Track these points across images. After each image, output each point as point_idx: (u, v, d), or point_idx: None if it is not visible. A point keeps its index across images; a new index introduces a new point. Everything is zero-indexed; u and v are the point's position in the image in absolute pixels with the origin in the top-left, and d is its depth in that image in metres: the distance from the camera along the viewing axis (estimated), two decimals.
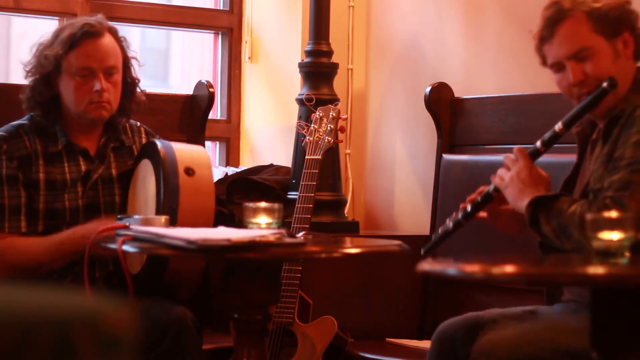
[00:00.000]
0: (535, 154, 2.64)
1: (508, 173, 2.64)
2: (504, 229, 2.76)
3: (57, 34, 3.12)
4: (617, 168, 2.48)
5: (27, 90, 3.15)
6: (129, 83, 3.19)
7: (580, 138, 2.73)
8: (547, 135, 2.63)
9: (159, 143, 3.03)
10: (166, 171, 2.93)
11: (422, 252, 2.80)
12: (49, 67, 3.09)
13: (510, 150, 3.68)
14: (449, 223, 2.72)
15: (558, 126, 2.61)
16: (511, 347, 2.42)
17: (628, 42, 2.61)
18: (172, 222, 2.77)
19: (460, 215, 2.72)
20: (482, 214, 2.72)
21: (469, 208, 2.70)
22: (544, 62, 2.68)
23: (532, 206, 2.53)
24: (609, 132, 2.56)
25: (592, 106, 2.57)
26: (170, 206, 2.88)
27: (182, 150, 3.03)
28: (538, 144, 2.64)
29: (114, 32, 3.15)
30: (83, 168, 3.13)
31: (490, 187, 2.68)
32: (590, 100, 2.56)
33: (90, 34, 3.09)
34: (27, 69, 3.15)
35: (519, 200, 2.59)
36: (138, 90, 3.23)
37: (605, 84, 2.54)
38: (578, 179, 2.70)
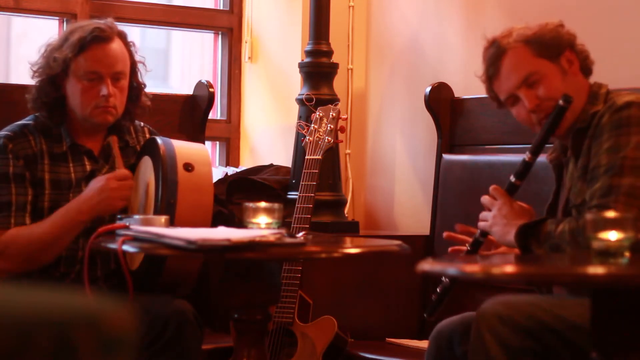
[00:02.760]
0: (511, 189, 2.68)
1: (490, 213, 2.65)
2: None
3: (66, 37, 3.12)
4: (596, 177, 2.50)
5: (33, 90, 3.15)
6: (135, 88, 3.20)
7: (554, 164, 2.76)
8: (518, 167, 2.66)
9: (159, 140, 3.04)
10: (165, 166, 2.94)
11: (425, 316, 2.84)
12: (57, 69, 3.09)
13: (510, 150, 3.69)
14: (445, 280, 2.74)
15: (527, 156, 2.65)
16: (516, 307, 2.41)
17: (572, 59, 2.67)
18: (171, 217, 2.78)
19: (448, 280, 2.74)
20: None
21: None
22: (498, 103, 2.73)
23: (521, 235, 2.55)
24: (579, 147, 2.59)
25: (554, 126, 2.61)
26: (168, 201, 2.89)
27: (182, 147, 3.03)
28: (512, 178, 2.68)
29: (123, 37, 3.16)
30: (88, 168, 3.14)
31: (477, 234, 2.70)
32: (552, 121, 2.60)
33: (100, 38, 3.09)
34: (34, 70, 3.15)
35: (506, 235, 2.61)
36: (143, 95, 3.24)
37: (560, 102, 2.59)
38: (559, 203, 2.71)
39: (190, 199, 2.92)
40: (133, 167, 3.16)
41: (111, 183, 3.00)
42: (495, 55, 2.68)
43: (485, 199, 2.69)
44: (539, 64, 2.65)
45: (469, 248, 2.72)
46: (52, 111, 3.13)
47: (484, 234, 2.69)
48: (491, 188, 2.69)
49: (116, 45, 3.12)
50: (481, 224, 2.69)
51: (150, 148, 3.06)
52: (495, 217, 2.64)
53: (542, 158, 2.74)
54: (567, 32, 2.71)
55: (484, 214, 2.69)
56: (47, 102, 3.12)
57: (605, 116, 2.55)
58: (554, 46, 2.66)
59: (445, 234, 2.82)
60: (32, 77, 3.17)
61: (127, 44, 3.17)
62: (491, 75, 2.70)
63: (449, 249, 2.81)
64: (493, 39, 2.72)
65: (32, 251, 3.01)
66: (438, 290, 2.78)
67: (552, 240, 2.50)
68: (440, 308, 2.76)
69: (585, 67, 2.70)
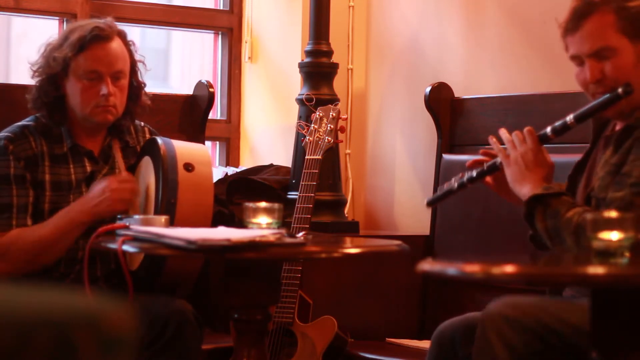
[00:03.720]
0: (544, 139, 2.63)
1: (514, 151, 2.63)
2: (506, 197, 2.76)
3: (66, 36, 3.12)
4: (622, 184, 2.47)
5: (33, 90, 3.16)
6: (135, 87, 3.20)
7: (595, 125, 2.70)
8: (558, 123, 2.61)
9: (159, 140, 3.04)
10: (165, 166, 2.94)
11: (425, 203, 2.86)
12: (57, 68, 3.09)
13: None
14: (454, 183, 2.73)
15: (570, 118, 2.59)
16: (522, 309, 2.40)
17: None
18: (171, 217, 2.78)
19: (465, 177, 2.72)
20: (488, 179, 2.73)
21: (474, 173, 2.72)
22: (566, 49, 2.64)
23: (531, 201, 2.54)
24: (621, 141, 2.54)
25: (603, 108, 2.55)
26: (168, 201, 2.89)
27: (182, 147, 3.04)
28: (548, 130, 2.63)
29: (123, 36, 3.16)
30: (88, 169, 3.14)
31: (498, 159, 2.68)
32: (603, 102, 2.53)
33: (100, 37, 3.09)
34: (34, 69, 3.16)
35: (517, 183, 2.60)
36: (143, 94, 3.24)
37: (620, 90, 2.51)
38: (587, 166, 2.68)
39: (191, 199, 2.92)
40: (133, 167, 3.16)
41: (112, 184, 3.00)
42: (582, 11, 2.55)
43: (517, 135, 2.64)
44: (618, 41, 2.54)
45: (485, 168, 2.70)
46: (53, 111, 3.13)
47: (497, 166, 2.67)
48: (526, 129, 2.64)
49: (116, 44, 3.12)
50: (501, 156, 2.65)
51: (151, 148, 3.06)
52: (517, 160, 2.60)
53: (560, 159, 2.72)
54: None
55: (509, 147, 2.64)
56: (48, 102, 3.12)
57: None
58: None
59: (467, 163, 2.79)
60: (32, 77, 3.17)
61: (126, 43, 3.17)
62: (569, 29, 2.58)
63: (467, 163, 2.77)
64: None
65: (33, 253, 3.01)
66: (444, 186, 2.77)
67: (556, 221, 2.49)
68: (441, 201, 2.76)
69: None
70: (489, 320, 2.41)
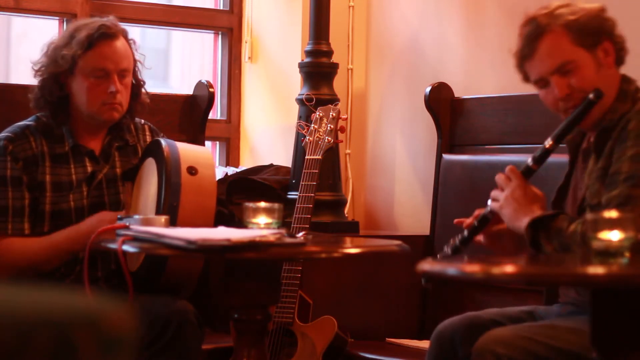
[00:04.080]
0: (527, 173, 2.63)
1: (502, 194, 2.63)
2: (502, 251, 2.76)
3: (72, 34, 3.12)
4: (615, 183, 2.47)
5: (36, 90, 3.16)
6: (135, 85, 3.21)
7: (570, 146, 2.73)
8: (537, 152, 2.62)
9: (163, 142, 3.05)
10: (168, 169, 2.94)
11: (422, 282, 2.83)
12: (65, 66, 3.09)
13: (510, 150, 3.69)
14: (448, 250, 2.71)
15: (548, 142, 2.60)
16: (511, 343, 2.42)
17: (609, 51, 2.60)
18: (172, 220, 2.78)
19: (457, 241, 2.71)
20: (479, 237, 2.71)
21: (466, 233, 2.69)
22: (526, 79, 2.68)
23: (532, 228, 2.53)
24: (602, 146, 2.56)
25: (580, 119, 2.57)
26: (171, 204, 2.89)
27: (186, 150, 3.04)
28: (530, 161, 2.63)
29: (125, 35, 3.18)
30: (89, 169, 3.14)
31: (486, 210, 2.67)
32: (578, 113, 2.56)
33: (107, 35, 3.11)
34: (37, 68, 3.16)
35: (515, 220, 2.58)
36: (143, 92, 3.25)
37: (591, 96, 2.54)
38: (570, 187, 2.69)
39: (193, 202, 2.92)
40: (137, 168, 3.16)
41: (104, 225, 2.95)
42: (533, 35, 2.60)
43: (500, 177, 2.64)
44: (576, 53, 2.58)
45: (476, 224, 2.67)
46: (56, 111, 3.13)
47: (493, 211, 2.66)
48: (508, 168, 2.64)
49: (121, 42, 3.14)
50: (492, 203, 2.66)
51: (155, 150, 3.06)
52: (507, 199, 2.60)
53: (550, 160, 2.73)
54: (608, 19, 2.63)
55: (495, 193, 2.64)
56: (51, 102, 3.13)
57: (633, 122, 2.51)
58: (593, 35, 2.59)
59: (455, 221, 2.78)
60: (35, 76, 3.17)
61: (129, 42, 3.18)
62: (526, 54, 2.61)
63: (455, 221, 2.74)
64: (533, 15, 2.62)
65: (23, 265, 3.05)
66: (439, 257, 2.75)
67: (562, 238, 2.49)
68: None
69: (619, 58, 2.63)
70: (480, 358, 2.42)
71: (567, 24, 2.58)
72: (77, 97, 3.12)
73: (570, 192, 2.68)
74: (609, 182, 2.48)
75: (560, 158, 2.97)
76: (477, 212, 2.70)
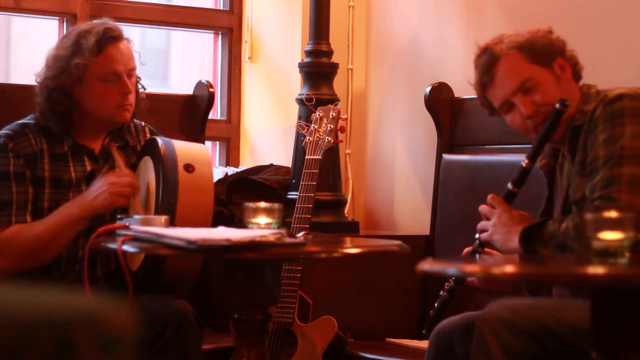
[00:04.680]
0: (509, 197, 2.67)
1: (489, 223, 2.65)
2: (497, 289, 2.79)
3: (76, 41, 3.08)
4: (596, 169, 2.50)
5: (42, 102, 3.11)
6: (135, 83, 3.22)
7: (546, 170, 2.76)
8: (515, 174, 2.66)
9: (159, 140, 3.04)
10: (165, 167, 2.94)
11: (424, 332, 2.85)
12: (78, 74, 3.07)
13: (510, 150, 3.69)
14: (444, 293, 2.75)
15: (524, 162, 2.65)
16: (517, 309, 2.41)
17: (564, 66, 2.68)
18: (171, 218, 2.78)
19: (452, 282, 2.75)
20: (472, 278, 2.73)
21: (436, 304, 2.75)
22: (491, 111, 2.73)
23: (525, 239, 2.54)
24: (575, 144, 2.60)
25: (551, 131, 2.61)
26: (169, 202, 2.89)
27: (183, 147, 3.04)
28: (509, 185, 2.68)
29: (124, 35, 3.18)
30: (88, 168, 3.14)
31: (475, 244, 2.70)
32: (548, 126, 2.60)
33: (114, 38, 3.11)
34: (41, 80, 3.12)
35: (509, 242, 2.61)
36: (142, 91, 3.25)
37: (557, 105, 2.59)
38: (554, 207, 2.71)
39: (191, 200, 2.92)
40: (134, 167, 3.16)
41: (111, 178, 3.00)
42: (489, 62, 2.69)
43: (483, 208, 2.69)
44: (533, 70, 2.65)
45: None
46: (63, 120, 3.11)
47: (483, 244, 2.69)
48: (489, 197, 2.69)
49: (125, 43, 3.14)
50: (482, 235, 2.68)
51: (151, 148, 3.06)
52: (496, 226, 2.64)
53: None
54: (557, 38, 2.72)
55: (482, 224, 2.68)
56: (60, 112, 3.10)
57: (599, 109, 2.56)
58: (546, 53, 2.67)
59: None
60: (40, 88, 3.12)
61: (129, 41, 3.19)
62: (485, 82, 2.71)
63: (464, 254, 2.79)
64: (485, 46, 2.73)
65: (32, 249, 3.01)
66: (436, 304, 2.78)
67: (557, 240, 2.50)
68: (438, 323, 2.75)
69: (576, 73, 2.72)
70: (486, 323, 2.42)
71: (518, 45, 2.67)
72: (88, 103, 3.10)
73: (555, 210, 2.71)
74: (589, 171, 2.52)
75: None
76: (467, 249, 2.75)
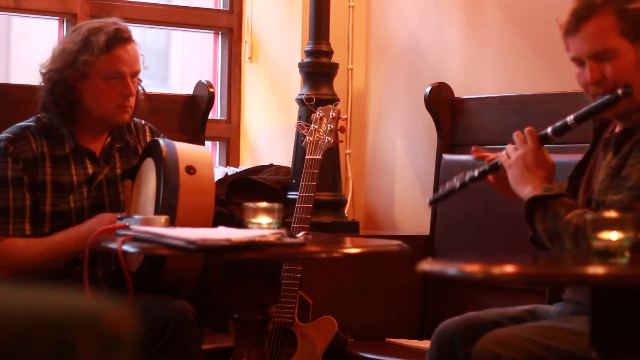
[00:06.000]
0: (544, 139, 2.64)
1: (515, 152, 2.64)
2: (509, 197, 2.76)
3: (86, 38, 3.09)
4: (621, 187, 2.47)
5: (45, 93, 3.13)
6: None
7: (595, 125, 2.71)
8: (558, 124, 2.62)
9: (161, 141, 3.05)
10: (167, 168, 2.94)
11: (427, 201, 2.87)
12: (84, 70, 3.08)
13: None
14: (456, 182, 2.74)
15: (570, 119, 2.60)
16: (512, 344, 2.42)
17: None
18: (171, 219, 2.78)
19: (467, 177, 2.73)
20: (490, 178, 2.74)
21: (476, 173, 2.73)
22: (567, 49, 2.64)
23: (531, 202, 2.54)
24: (621, 145, 2.54)
25: (603, 109, 2.55)
26: (169, 203, 2.89)
27: (184, 149, 3.04)
28: (549, 130, 2.63)
29: (133, 37, 3.19)
30: (90, 170, 3.14)
31: (499, 160, 2.68)
32: (602, 104, 2.53)
33: (124, 39, 3.12)
34: (46, 72, 3.13)
35: (518, 184, 2.61)
36: (142, 93, 3.26)
37: (619, 91, 2.50)
38: (588, 167, 2.68)
39: (192, 202, 2.92)
40: (136, 169, 3.16)
41: (104, 219, 2.98)
42: (582, 13, 2.54)
43: (518, 136, 2.65)
44: (618, 42, 2.53)
45: (486, 168, 2.72)
46: (64, 113, 3.11)
47: (497, 167, 2.68)
48: (527, 129, 2.65)
49: (133, 45, 3.15)
50: (503, 158, 2.66)
51: (153, 150, 3.07)
52: (518, 160, 2.61)
53: (561, 159, 2.73)
54: None
55: (510, 149, 2.66)
56: (62, 105, 3.11)
57: None
58: None
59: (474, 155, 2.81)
60: (43, 80, 3.14)
61: (136, 44, 3.19)
62: (570, 30, 2.57)
63: (473, 149, 2.81)
64: None
65: (24, 266, 3.04)
66: (446, 185, 2.77)
67: (556, 223, 2.49)
68: (443, 200, 2.81)
69: None
70: (480, 358, 2.42)
71: (618, 11, 2.53)
72: (89, 100, 3.12)
73: (587, 172, 2.67)
74: (616, 185, 2.48)
75: (569, 158, 2.97)
76: (492, 156, 2.73)
